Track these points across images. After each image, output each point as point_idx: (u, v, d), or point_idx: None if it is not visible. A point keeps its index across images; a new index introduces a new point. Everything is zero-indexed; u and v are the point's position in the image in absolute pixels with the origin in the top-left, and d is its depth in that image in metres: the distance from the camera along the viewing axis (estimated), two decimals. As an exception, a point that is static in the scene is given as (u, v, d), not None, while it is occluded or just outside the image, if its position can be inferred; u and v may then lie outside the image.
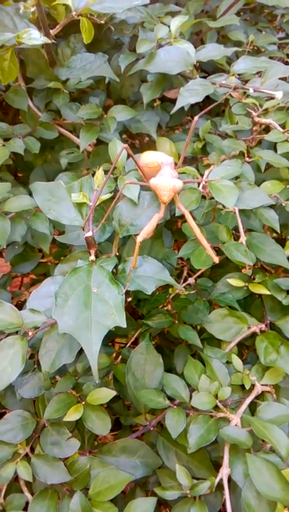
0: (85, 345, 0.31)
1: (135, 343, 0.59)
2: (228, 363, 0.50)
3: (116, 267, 0.40)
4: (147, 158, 0.45)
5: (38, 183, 0.41)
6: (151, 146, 0.64)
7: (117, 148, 0.45)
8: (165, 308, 0.56)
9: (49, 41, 0.48)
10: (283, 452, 0.34)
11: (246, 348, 0.65)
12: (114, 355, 0.57)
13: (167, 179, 0.38)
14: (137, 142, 0.80)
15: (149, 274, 0.38)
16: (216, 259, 0.38)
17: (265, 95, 0.62)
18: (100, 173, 0.38)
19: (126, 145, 0.36)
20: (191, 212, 0.39)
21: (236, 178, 0.50)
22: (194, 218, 0.40)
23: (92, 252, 0.38)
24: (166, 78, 0.55)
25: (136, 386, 0.48)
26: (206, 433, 0.40)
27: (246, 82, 0.58)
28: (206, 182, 0.44)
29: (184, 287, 0.57)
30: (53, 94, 0.61)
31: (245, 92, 0.61)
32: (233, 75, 0.52)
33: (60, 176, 0.54)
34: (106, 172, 0.50)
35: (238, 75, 0.55)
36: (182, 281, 0.60)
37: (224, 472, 0.38)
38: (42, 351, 0.37)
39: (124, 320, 0.33)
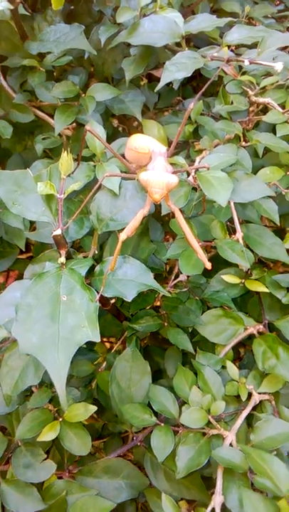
0: (50, 368, 0.26)
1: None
2: (223, 367, 0.45)
3: (93, 268, 0.34)
4: (136, 141, 0.40)
5: (2, 172, 0.35)
6: (141, 131, 0.58)
7: (95, 132, 0.39)
8: (154, 306, 0.51)
9: (11, 7, 0.42)
10: (283, 488, 0.29)
11: (243, 347, 0.61)
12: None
13: (160, 174, 0.32)
14: (126, 127, 0.74)
15: (129, 277, 0.33)
16: (209, 265, 0.33)
17: (263, 72, 0.56)
18: (64, 158, 0.32)
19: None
20: (180, 209, 0.34)
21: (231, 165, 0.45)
22: (182, 212, 0.34)
23: (63, 252, 0.32)
24: (151, 52, 0.49)
25: (121, 397, 0.43)
26: (196, 455, 0.36)
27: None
28: (195, 172, 0.39)
29: (175, 284, 0.52)
30: (28, 73, 0.55)
31: (241, 67, 0.55)
32: (226, 45, 0.46)
33: (35, 164, 0.48)
34: (85, 159, 0.45)
35: (233, 48, 0.49)
36: (173, 277, 0.55)
37: (217, 501, 0.34)
38: (3, 371, 0.32)
39: (97, 333, 0.27)
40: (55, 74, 0.62)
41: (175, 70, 0.43)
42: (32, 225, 0.50)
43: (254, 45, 0.54)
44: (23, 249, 0.51)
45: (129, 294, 0.32)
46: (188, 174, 0.39)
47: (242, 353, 0.60)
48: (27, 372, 0.32)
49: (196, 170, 0.37)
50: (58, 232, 0.32)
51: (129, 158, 0.41)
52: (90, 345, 0.52)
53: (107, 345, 0.64)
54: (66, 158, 0.32)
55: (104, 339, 0.62)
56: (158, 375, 0.52)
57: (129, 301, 0.31)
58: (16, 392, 0.32)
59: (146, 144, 0.38)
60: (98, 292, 0.31)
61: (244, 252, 0.39)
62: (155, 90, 0.44)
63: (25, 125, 0.60)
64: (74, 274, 0.30)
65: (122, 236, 0.30)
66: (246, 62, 0.45)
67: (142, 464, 0.43)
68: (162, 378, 0.52)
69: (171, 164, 0.41)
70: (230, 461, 0.34)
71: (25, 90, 0.57)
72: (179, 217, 0.32)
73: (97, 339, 0.27)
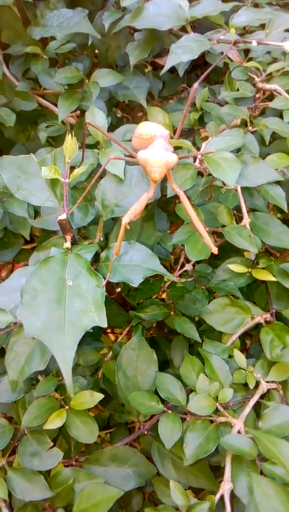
0: (56, 351, 0.25)
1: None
2: (230, 357, 0.45)
3: (98, 254, 0.34)
4: (142, 128, 0.39)
5: (5, 158, 0.35)
6: (146, 121, 0.58)
7: (96, 118, 0.38)
8: (159, 298, 0.51)
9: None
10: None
11: (249, 337, 0.60)
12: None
13: (159, 152, 0.32)
14: (130, 117, 0.73)
15: (135, 262, 0.32)
16: (215, 250, 0.32)
17: (269, 59, 0.55)
18: (69, 141, 0.32)
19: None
20: (185, 192, 0.33)
21: (237, 150, 0.44)
22: (189, 198, 0.34)
23: (68, 238, 0.32)
24: (156, 36, 0.49)
25: (127, 386, 0.43)
26: (204, 442, 0.35)
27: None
28: (202, 156, 0.38)
29: (181, 274, 0.52)
30: (31, 61, 0.54)
31: (246, 54, 0.54)
32: (233, 27, 0.45)
33: (40, 152, 0.48)
34: (88, 146, 0.44)
35: (239, 33, 0.48)
36: (179, 267, 0.54)
37: (226, 487, 0.33)
38: (9, 356, 0.31)
39: (104, 318, 0.27)
40: (58, 63, 0.61)
41: (181, 53, 0.42)
42: (36, 215, 0.50)
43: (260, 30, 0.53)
44: (28, 239, 0.51)
45: (135, 279, 0.31)
46: (195, 159, 0.38)
47: (248, 344, 0.60)
48: (33, 358, 0.32)
49: (203, 153, 0.37)
50: (63, 216, 0.31)
51: (135, 145, 0.41)
52: (96, 335, 0.51)
53: (112, 337, 0.63)
54: (71, 142, 0.32)
55: (110, 331, 0.62)
56: (164, 366, 0.52)
57: (136, 286, 0.31)
58: (22, 378, 0.31)
59: (150, 129, 0.37)
60: (104, 278, 0.30)
61: (252, 237, 0.39)
62: (161, 73, 0.44)
63: (29, 114, 0.59)
64: (80, 259, 0.30)
65: (124, 219, 0.30)
66: (254, 43, 0.44)
67: (149, 454, 0.43)
68: (168, 368, 0.51)
69: (178, 148, 0.40)
70: (239, 448, 0.34)
71: (29, 78, 0.57)
72: (185, 201, 0.31)
73: (104, 324, 0.27)
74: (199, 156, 0.37)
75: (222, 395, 0.38)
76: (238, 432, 0.37)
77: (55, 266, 0.29)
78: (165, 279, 0.51)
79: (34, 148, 0.60)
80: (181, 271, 0.52)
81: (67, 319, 0.26)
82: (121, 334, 0.54)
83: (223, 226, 0.44)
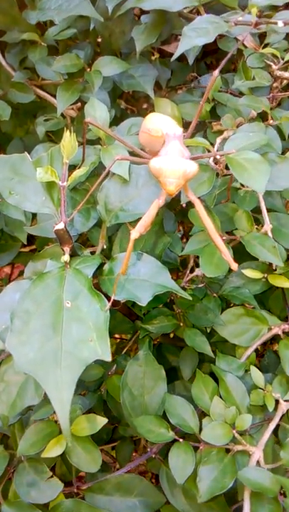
0: (51, 390, 0.21)
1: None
2: (246, 371, 0.41)
3: (101, 267, 0.30)
4: (151, 122, 0.35)
5: (-4, 157, 0.31)
6: (152, 111, 0.53)
7: (96, 111, 0.34)
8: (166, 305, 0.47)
9: None
10: None
11: (263, 344, 0.56)
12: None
13: (175, 160, 0.27)
14: (135, 109, 0.69)
15: (143, 276, 0.28)
16: (235, 267, 0.28)
17: (286, 45, 0.51)
18: (67, 138, 0.27)
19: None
20: (201, 199, 0.29)
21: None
22: (203, 201, 0.29)
23: (67, 249, 0.28)
24: (165, 19, 0.44)
25: (133, 406, 0.39)
26: (220, 476, 0.32)
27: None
28: (221, 156, 0.33)
29: (191, 279, 0.48)
30: (28, 49, 0.50)
31: (262, 37, 0.50)
32: (253, 7, 0.40)
33: (37, 148, 0.44)
34: (90, 142, 0.40)
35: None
36: (188, 271, 0.50)
37: (245, 529, 0.30)
38: (-1, 387, 0.28)
39: (108, 349, 0.23)
40: (58, 51, 0.57)
41: (195, 36, 0.37)
42: (35, 217, 0.46)
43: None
44: (25, 243, 0.47)
45: (143, 296, 0.27)
46: (216, 161, 0.34)
47: (260, 350, 0.56)
48: (26, 390, 0.28)
49: (223, 153, 0.32)
50: (61, 225, 0.27)
51: (142, 141, 0.36)
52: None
53: (117, 339, 0.60)
54: (69, 140, 0.27)
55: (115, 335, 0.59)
56: (172, 375, 0.49)
57: (144, 305, 0.27)
58: (14, 413, 0.28)
59: (160, 125, 0.33)
60: (108, 297, 0.26)
61: (276, 247, 0.34)
62: (172, 59, 0.39)
63: (27, 107, 0.55)
64: (80, 276, 0.26)
65: (134, 234, 0.25)
66: (280, 24, 0.39)
67: (156, 472, 0.40)
68: (177, 378, 0.48)
69: (190, 147, 0.36)
70: (260, 484, 0.30)
71: (26, 68, 0.52)
72: (200, 210, 0.27)
73: (108, 358, 0.23)
74: (217, 156, 0.33)
75: (239, 422, 0.34)
76: (257, 462, 0.33)
77: (52, 283, 0.25)
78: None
79: (33, 143, 0.56)
80: (190, 276, 0.48)
81: (65, 349, 0.22)
82: (125, 339, 0.50)
83: (239, 231, 0.40)
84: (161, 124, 0.33)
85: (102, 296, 0.25)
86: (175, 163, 0.26)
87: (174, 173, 0.26)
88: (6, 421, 0.28)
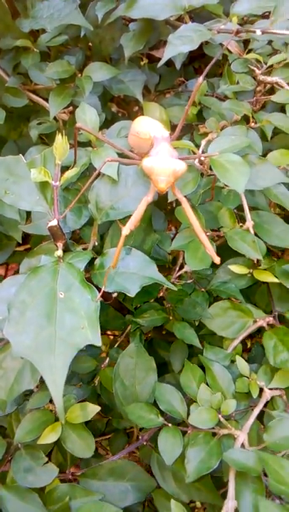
0: (46, 373, 0.23)
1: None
2: (232, 361, 0.43)
3: (92, 261, 0.32)
4: (139, 125, 0.37)
5: (-8, 159, 0.33)
6: (142, 115, 0.55)
7: (87, 115, 0.36)
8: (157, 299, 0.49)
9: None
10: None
11: (250, 338, 0.58)
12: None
13: (166, 160, 0.29)
14: (126, 112, 0.71)
15: (132, 270, 0.30)
16: (217, 260, 0.30)
17: (269, 50, 0.53)
18: (59, 141, 0.29)
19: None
20: (187, 197, 0.31)
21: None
22: (189, 200, 0.31)
23: (60, 245, 0.30)
24: (152, 27, 0.46)
25: (125, 395, 0.41)
26: (207, 457, 0.34)
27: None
28: (205, 158, 0.35)
29: (180, 276, 0.50)
30: (21, 55, 0.52)
31: (246, 45, 0.52)
32: (234, 16, 0.42)
33: (30, 151, 0.45)
34: (81, 144, 0.42)
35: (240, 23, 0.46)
36: (178, 268, 0.52)
37: (230, 505, 0.32)
38: (-3, 374, 0.29)
39: (98, 336, 0.25)
40: (50, 57, 0.59)
41: (179, 44, 0.39)
42: (29, 216, 0.48)
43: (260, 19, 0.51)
44: (20, 242, 0.49)
45: (132, 288, 0.29)
46: (201, 162, 0.36)
47: (249, 345, 0.58)
48: (23, 375, 0.30)
49: (207, 155, 0.34)
50: (54, 222, 0.29)
51: (131, 143, 0.38)
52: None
53: (110, 337, 0.62)
54: (61, 142, 0.29)
55: (109, 332, 0.60)
56: (163, 369, 0.50)
57: (132, 296, 0.29)
58: (12, 397, 0.30)
59: (148, 128, 0.35)
60: (99, 289, 0.28)
61: (256, 242, 0.37)
62: (158, 65, 0.41)
63: (21, 111, 0.57)
64: (72, 269, 0.28)
65: (125, 230, 0.27)
66: (258, 33, 0.42)
67: (148, 462, 0.41)
68: (168, 372, 0.50)
69: (176, 149, 0.38)
70: (243, 464, 0.32)
71: (19, 73, 0.54)
72: (186, 207, 0.29)
73: (98, 343, 0.25)
74: (202, 158, 0.35)
75: (225, 407, 0.36)
76: (242, 445, 0.35)
77: (46, 276, 0.27)
78: (163, 282, 0.49)
79: (27, 146, 0.58)
80: (179, 272, 0.50)
81: (58, 337, 0.24)
82: (119, 336, 0.52)
83: (220, 227, 0.42)
84: (149, 127, 0.35)
85: (93, 287, 0.27)
86: (165, 163, 0.28)
87: (165, 171, 0.28)
88: (4, 405, 0.30)
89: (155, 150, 0.30)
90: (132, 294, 0.29)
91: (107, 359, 0.48)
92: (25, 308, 0.25)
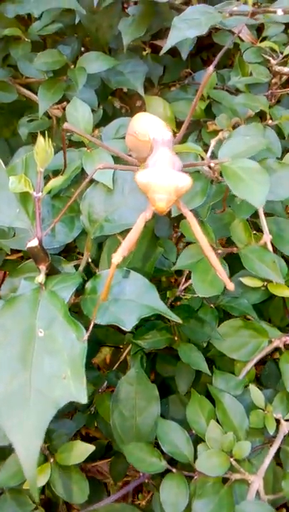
0: (16, 437, 0.18)
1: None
2: (245, 386, 0.39)
3: (83, 285, 0.27)
4: (138, 124, 0.31)
5: None
6: (145, 111, 0.50)
7: (79, 112, 0.31)
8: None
9: None
10: None
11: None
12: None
13: (166, 174, 0.23)
14: (128, 107, 0.66)
15: (129, 296, 0.26)
16: (231, 287, 0.24)
17: (285, 39, 0.48)
18: (41, 144, 0.24)
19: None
20: (194, 211, 0.25)
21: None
22: (196, 213, 0.26)
23: (42, 268, 0.25)
24: (154, 11, 0.41)
25: (124, 428, 0.37)
26: (216, 510, 0.29)
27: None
28: (216, 165, 0.30)
29: (186, 288, 0.45)
30: (11, 45, 0.47)
31: (259, 31, 0.47)
32: (249, -4, 0.37)
33: (19, 152, 0.41)
34: (74, 145, 0.37)
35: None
36: (184, 279, 0.48)
37: None
38: None
39: (83, 389, 0.20)
40: (46, 47, 0.54)
41: (186, 28, 0.34)
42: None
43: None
44: (9, 252, 0.44)
45: (128, 320, 0.25)
46: (210, 169, 0.30)
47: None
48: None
49: (218, 161, 0.29)
50: (34, 243, 0.24)
51: (129, 145, 0.33)
52: (89, 356, 0.45)
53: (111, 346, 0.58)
54: (43, 146, 0.25)
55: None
56: (168, 386, 0.46)
57: (128, 330, 0.24)
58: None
59: (147, 128, 0.30)
60: (89, 320, 0.23)
61: (276, 262, 0.32)
62: (161, 53, 0.36)
63: (13, 107, 0.53)
64: (56, 300, 0.23)
65: (116, 258, 0.22)
66: (279, 12, 0.37)
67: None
68: (173, 389, 0.45)
69: (181, 153, 0.32)
70: (259, 521, 0.28)
71: (9, 65, 0.50)
72: (193, 223, 0.23)
73: (83, 400, 0.20)
74: (212, 164, 0.29)
75: (237, 449, 0.31)
76: (257, 494, 0.31)
77: (24, 308, 0.23)
78: (168, 295, 0.45)
79: (19, 145, 0.54)
80: (186, 284, 0.45)
81: (34, 387, 0.20)
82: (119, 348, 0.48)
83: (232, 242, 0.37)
84: (148, 126, 0.30)
85: (80, 324, 0.22)
86: (165, 177, 0.23)
87: (165, 188, 0.22)
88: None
89: (153, 158, 0.25)
90: (127, 327, 0.24)
91: (105, 382, 0.43)
92: (-5, 348, 0.21)
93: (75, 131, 0.26)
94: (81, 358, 0.21)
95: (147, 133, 0.28)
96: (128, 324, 0.24)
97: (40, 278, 0.24)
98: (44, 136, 0.25)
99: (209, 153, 0.33)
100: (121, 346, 0.52)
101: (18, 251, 0.56)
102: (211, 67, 0.25)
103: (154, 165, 0.23)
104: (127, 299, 0.26)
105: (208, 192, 0.29)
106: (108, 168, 0.28)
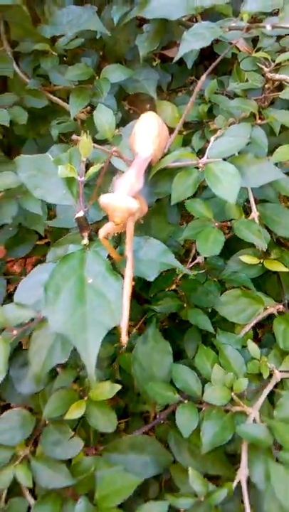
0: (80, 348, 0.26)
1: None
2: (243, 347, 0.46)
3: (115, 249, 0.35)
4: (138, 128, 0.39)
5: (22, 157, 0.36)
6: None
7: (104, 116, 0.39)
8: (172, 290, 0.51)
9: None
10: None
11: (261, 327, 0.61)
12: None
13: (121, 198, 0.30)
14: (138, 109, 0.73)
15: (150, 257, 0.33)
16: (125, 340, 0.29)
17: (277, 48, 0.55)
18: (84, 140, 0.32)
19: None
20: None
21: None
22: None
23: (85, 235, 0.33)
24: (165, 27, 0.49)
25: (143, 377, 0.44)
26: (220, 430, 0.36)
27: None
28: (203, 164, 0.37)
29: (193, 266, 0.53)
30: (40, 58, 0.55)
31: (255, 42, 0.54)
32: (245, 14, 0.45)
33: (52, 149, 0.48)
34: (99, 142, 0.45)
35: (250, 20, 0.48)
36: (190, 259, 0.55)
37: (242, 473, 0.34)
38: (32, 349, 0.32)
39: (120, 315, 0.28)
40: (66, 58, 0.61)
41: (194, 40, 0.42)
42: (49, 213, 0.50)
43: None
44: (43, 235, 0.52)
45: (151, 273, 0.32)
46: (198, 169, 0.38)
47: (260, 334, 0.60)
48: (54, 351, 0.33)
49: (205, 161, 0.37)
50: (81, 213, 0.32)
51: (130, 145, 0.40)
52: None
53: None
54: (86, 141, 0.32)
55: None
56: (178, 357, 0.53)
57: (152, 280, 0.32)
58: (45, 371, 0.33)
59: (138, 138, 0.37)
60: (121, 274, 0.31)
61: (261, 231, 0.39)
62: (173, 62, 0.44)
63: (38, 111, 0.59)
64: (98, 258, 0.31)
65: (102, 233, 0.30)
66: (268, 28, 0.44)
67: (164, 442, 0.44)
68: (182, 359, 0.52)
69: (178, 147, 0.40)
70: (255, 437, 0.35)
71: (39, 75, 0.57)
72: (128, 267, 0.31)
73: (122, 323, 0.27)
74: (201, 164, 0.37)
75: (237, 385, 0.39)
76: (254, 421, 0.38)
77: (74, 263, 0.30)
78: (177, 272, 0.52)
79: (45, 144, 0.61)
80: (192, 263, 0.52)
81: (89, 317, 0.27)
82: (134, 326, 0.55)
83: (231, 220, 0.44)
84: (140, 136, 0.37)
85: (118, 275, 0.30)
86: (120, 201, 0.30)
87: (120, 209, 0.30)
88: (38, 378, 0.33)
89: (120, 180, 0.32)
90: (150, 278, 0.32)
91: (125, 345, 0.51)
92: (59, 290, 0.28)
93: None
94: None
95: (136, 143, 0.35)
96: (151, 276, 0.32)
97: (85, 241, 0.32)
98: (86, 134, 0.32)
99: (210, 146, 0.40)
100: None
101: (44, 237, 0.63)
102: (204, 77, 0.34)
103: (117, 189, 0.31)
104: (149, 259, 0.33)
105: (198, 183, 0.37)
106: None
